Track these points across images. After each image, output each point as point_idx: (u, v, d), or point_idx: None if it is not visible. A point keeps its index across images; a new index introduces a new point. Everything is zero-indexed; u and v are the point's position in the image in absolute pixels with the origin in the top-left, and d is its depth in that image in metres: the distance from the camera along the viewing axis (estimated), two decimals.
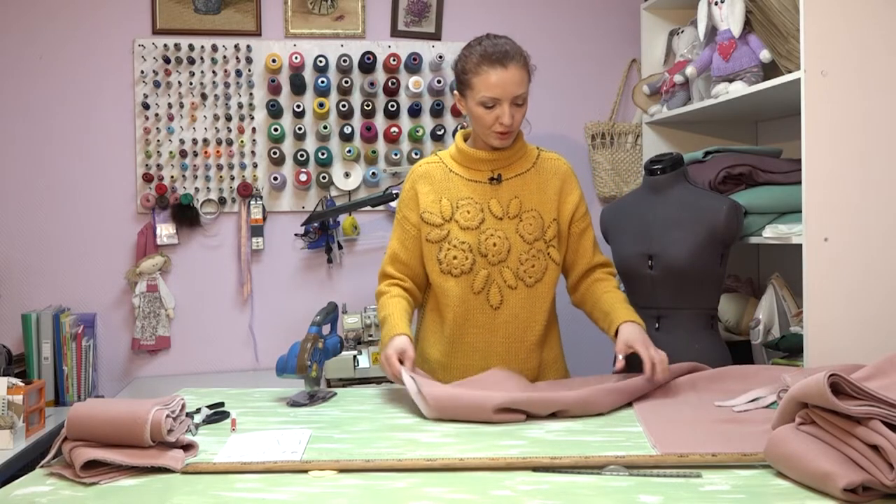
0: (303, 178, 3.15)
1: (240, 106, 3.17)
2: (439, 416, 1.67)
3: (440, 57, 3.20)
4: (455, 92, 2.03)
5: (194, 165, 3.15)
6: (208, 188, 3.16)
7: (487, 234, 1.98)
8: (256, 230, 3.16)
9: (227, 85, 3.16)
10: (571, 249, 2.08)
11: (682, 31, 2.91)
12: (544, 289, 2.02)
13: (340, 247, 3.22)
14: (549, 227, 2.02)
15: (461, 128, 3.23)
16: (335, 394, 1.93)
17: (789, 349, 2.21)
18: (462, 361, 2.03)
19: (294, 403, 1.82)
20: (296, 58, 3.14)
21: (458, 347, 2.03)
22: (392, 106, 3.19)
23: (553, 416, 1.68)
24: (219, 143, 3.16)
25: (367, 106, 3.19)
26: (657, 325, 2.21)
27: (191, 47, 3.13)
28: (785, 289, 2.38)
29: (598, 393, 1.72)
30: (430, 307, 2.10)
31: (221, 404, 1.79)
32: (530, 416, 1.67)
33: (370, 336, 2.78)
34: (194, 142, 3.14)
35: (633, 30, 3.20)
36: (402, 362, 1.80)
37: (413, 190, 2.06)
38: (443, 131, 3.22)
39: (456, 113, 3.25)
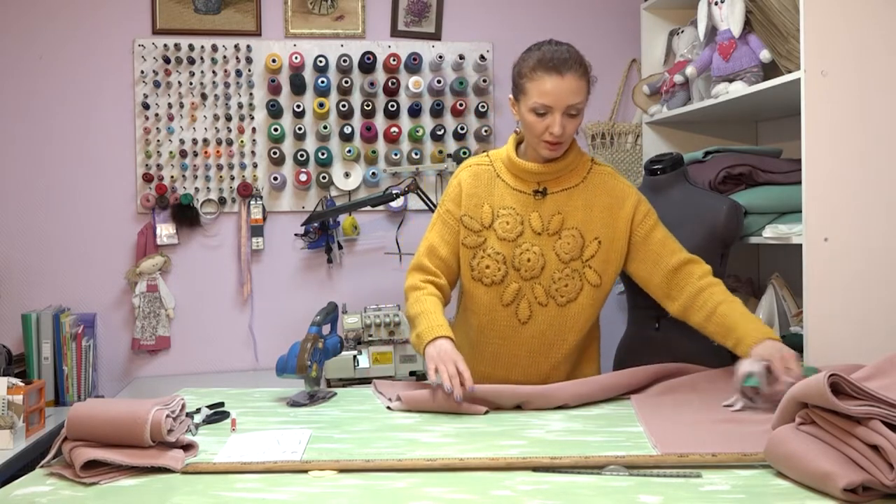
0: (303, 178, 3.15)
1: (240, 106, 3.17)
2: (407, 408, 1.77)
3: (440, 57, 3.20)
4: (510, 97, 1.95)
5: (194, 165, 3.15)
6: (208, 188, 3.16)
7: (523, 249, 1.94)
8: (256, 230, 3.16)
9: (227, 85, 3.16)
10: (641, 258, 1.96)
11: (682, 31, 2.91)
12: (578, 309, 1.96)
13: (340, 247, 3.22)
14: (588, 247, 1.94)
15: (461, 129, 3.23)
16: (335, 394, 1.93)
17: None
18: (484, 369, 2.01)
19: (294, 403, 1.82)
20: (296, 58, 3.14)
21: (481, 355, 2.02)
22: (392, 106, 3.19)
23: (518, 407, 1.76)
24: (219, 143, 3.16)
25: (367, 106, 3.19)
26: (657, 325, 2.21)
27: (191, 47, 3.13)
28: (785, 289, 2.38)
29: (563, 386, 1.80)
30: (462, 308, 2.09)
31: (221, 404, 1.79)
32: (498, 408, 1.76)
33: (370, 336, 2.77)
34: (194, 142, 3.14)
35: (633, 30, 3.20)
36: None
37: (459, 187, 2.01)
38: (443, 131, 3.22)
39: (456, 113, 3.25)
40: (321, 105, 3.16)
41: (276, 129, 3.14)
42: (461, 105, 3.22)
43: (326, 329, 1.99)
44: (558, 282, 1.94)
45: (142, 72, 3.12)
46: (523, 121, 1.89)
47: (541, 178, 1.96)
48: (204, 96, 3.14)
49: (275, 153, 3.15)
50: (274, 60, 3.14)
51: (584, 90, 1.85)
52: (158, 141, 3.13)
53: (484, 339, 2.01)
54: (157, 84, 3.12)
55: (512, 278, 1.95)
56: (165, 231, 3.14)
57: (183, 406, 1.46)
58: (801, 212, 2.03)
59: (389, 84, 3.18)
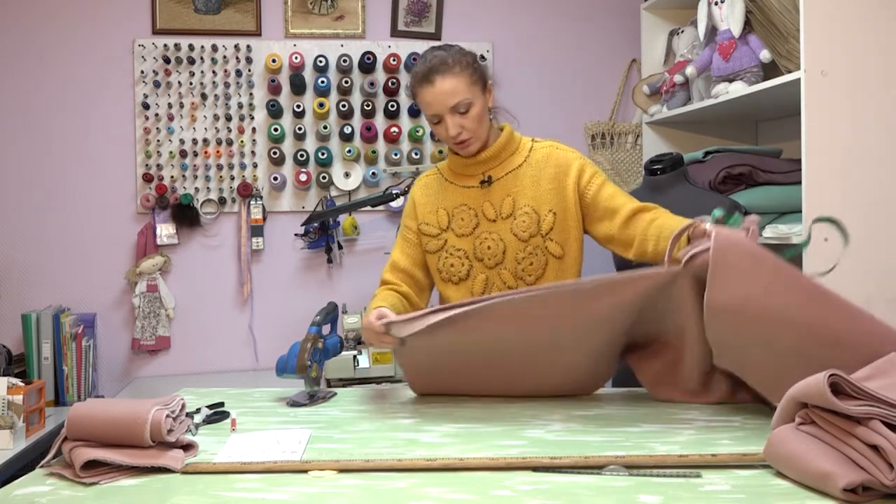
0: (303, 178, 3.15)
1: (240, 106, 3.17)
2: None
3: None
4: None
5: (194, 165, 3.15)
6: (208, 188, 3.16)
7: (482, 238, 1.97)
8: (256, 230, 3.16)
9: (227, 85, 3.16)
10: (598, 217, 1.94)
11: (682, 31, 2.91)
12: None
13: (340, 247, 3.22)
14: (545, 220, 1.95)
15: None
16: (335, 394, 1.93)
17: None
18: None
19: (294, 403, 1.82)
20: (296, 58, 3.14)
21: None
22: (392, 106, 3.19)
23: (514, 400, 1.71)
24: (219, 143, 3.16)
25: (367, 106, 3.19)
26: None
27: (191, 47, 3.13)
28: None
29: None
30: None
31: (221, 404, 1.79)
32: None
33: None
34: (194, 142, 3.14)
35: (633, 30, 3.20)
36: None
37: (412, 201, 2.07)
38: None
39: None
40: (321, 105, 3.16)
41: (276, 129, 3.14)
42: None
43: (326, 329, 1.99)
44: (522, 262, 1.96)
45: (142, 72, 3.12)
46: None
47: (483, 167, 2.00)
48: (204, 96, 3.14)
49: (275, 153, 3.15)
50: (274, 60, 3.14)
51: (461, 86, 1.87)
52: (158, 141, 3.13)
53: None
54: (157, 84, 3.12)
55: (477, 270, 1.98)
56: (165, 231, 3.14)
57: (183, 406, 1.45)
58: (801, 212, 2.03)
59: (389, 84, 3.18)
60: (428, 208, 2.03)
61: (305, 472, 1.34)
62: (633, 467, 1.32)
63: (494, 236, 1.97)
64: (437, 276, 2.03)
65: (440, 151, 3.22)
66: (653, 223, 1.83)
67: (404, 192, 3.01)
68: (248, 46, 3.17)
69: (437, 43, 1.97)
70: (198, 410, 1.70)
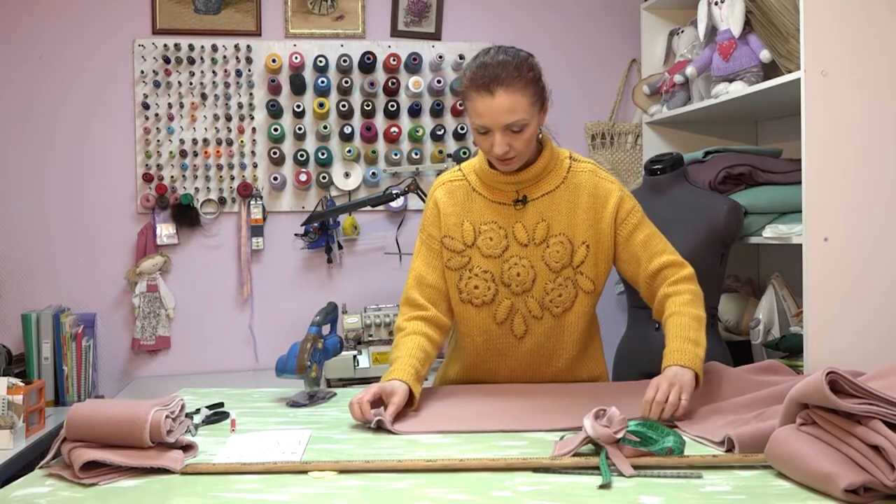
0: (303, 178, 3.15)
1: (240, 106, 3.17)
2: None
3: (440, 57, 3.20)
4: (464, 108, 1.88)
5: (194, 165, 3.15)
6: (208, 188, 3.16)
7: (511, 263, 1.84)
8: (256, 230, 3.16)
9: (227, 85, 3.16)
10: (626, 259, 1.86)
11: (682, 31, 2.91)
12: (573, 318, 1.88)
13: (340, 247, 3.22)
14: (577, 251, 1.84)
15: (461, 129, 3.23)
16: (335, 394, 1.93)
17: (789, 349, 2.22)
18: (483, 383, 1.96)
19: (294, 404, 1.82)
20: (296, 58, 3.14)
21: (480, 372, 1.96)
22: (392, 106, 3.19)
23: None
24: (219, 143, 3.15)
25: (367, 106, 3.19)
26: (657, 325, 2.21)
27: (191, 47, 3.13)
28: (785, 289, 2.38)
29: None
30: (453, 335, 2.01)
31: (221, 404, 1.78)
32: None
33: (370, 336, 2.78)
34: (194, 142, 3.14)
35: (633, 30, 3.20)
36: (381, 406, 1.64)
37: (436, 208, 1.90)
38: (443, 131, 3.21)
39: (456, 113, 3.25)
40: (321, 105, 3.16)
41: (276, 129, 3.14)
42: (461, 105, 3.22)
43: (326, 329, 1.99)
44: (552, 292, 1.86)
45: (142, 72, 3.12)
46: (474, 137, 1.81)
47: (519, 185, 1.84)
48: (204, 96, 3.14)
49: (275, 153, 3.15)
50: (274, 60, 3.14)
51: (522, 105, 1.70)
52: (158, 141, 3.13)
53: (481, 359, 1.94)
54: (157, 84, 3.12)
55: (503, 295, 1.86)
56: (165, 231, 3.14)
57: (182, 406, 1.45)
58: (801, 212, 2.03)
59: (389, 84, 3.18)
60: (453, 219, 1.88)
61: (305, 472, 1.34)
62: (633, 467, 1.31)
63: (525, 262, 1.84)
64: (455, 295, 1.89)
65: (440, 151, 3.22)
66: (669, 318, 1.75)
67: (404, 192, 3.01)
68: (248, 46, 3.17)
69: (503, 44, 1.79)
70: (197, 411, 1.70)
